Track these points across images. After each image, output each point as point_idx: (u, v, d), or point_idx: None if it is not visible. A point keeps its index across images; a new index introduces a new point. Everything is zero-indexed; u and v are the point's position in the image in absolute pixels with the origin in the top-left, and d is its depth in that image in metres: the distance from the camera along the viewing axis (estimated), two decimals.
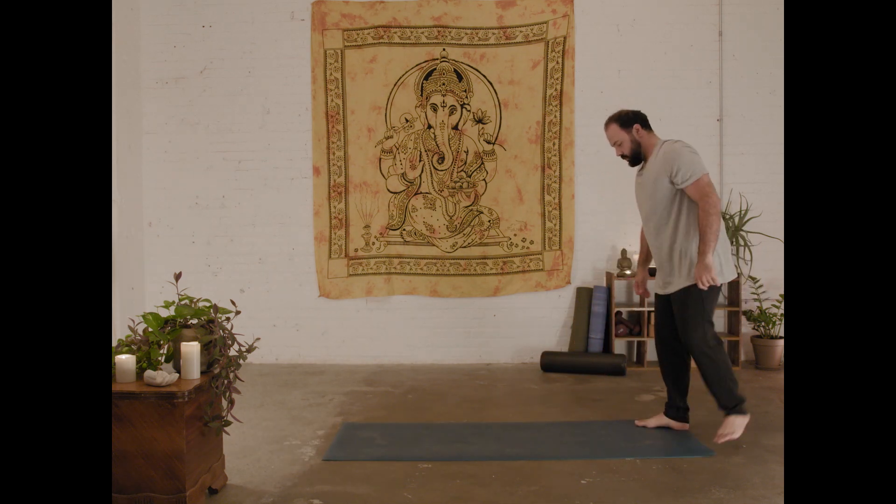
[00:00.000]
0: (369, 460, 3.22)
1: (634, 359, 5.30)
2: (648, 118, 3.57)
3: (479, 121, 5.30)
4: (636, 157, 3.53)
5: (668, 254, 3.47)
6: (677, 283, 3.43)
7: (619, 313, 5.25)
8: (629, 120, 3.50)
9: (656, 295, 3.59)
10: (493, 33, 5.28)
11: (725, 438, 3.35)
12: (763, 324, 5.06)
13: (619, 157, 3.60)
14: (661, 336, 3.59)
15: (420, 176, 5.32)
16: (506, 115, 5.29)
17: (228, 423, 2.83)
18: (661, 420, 3.67)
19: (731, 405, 3.40)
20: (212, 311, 2.85)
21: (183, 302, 2.86)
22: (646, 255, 3.81)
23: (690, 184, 3.29)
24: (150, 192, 5.39)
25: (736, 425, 3.37)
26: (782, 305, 5.09)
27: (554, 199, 5.31)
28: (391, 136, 5.32)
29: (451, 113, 5.30)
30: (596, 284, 5.25)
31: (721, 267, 3.37)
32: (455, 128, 5.31)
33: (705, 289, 3.32)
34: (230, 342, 2.86)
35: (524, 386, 4.64)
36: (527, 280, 5.34)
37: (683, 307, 3.39)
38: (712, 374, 3.39)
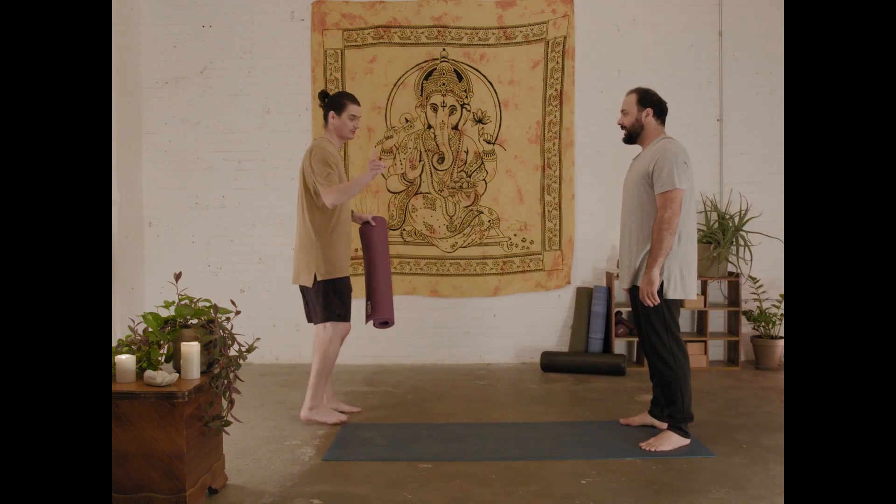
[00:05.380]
0: (369, 460, 3.22)
1: (634, 359, 5.30)
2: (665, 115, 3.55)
3: (479, 121, 5.30)
4: (631, 136, 3.53)
5: (627, 244, 3.50)
6: (628, 279, 3.47)
7: (619, 313, 5.25)
8: (647, 101, 3.48)
9: (628, 291, 3.57)
10: (493, 33, 5.28)
11: (650, 448, 3.30)
12: (763, 324, 5.06)
13: (618, 126, 3.58)
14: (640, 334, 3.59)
15: (420, 176, 5.32)
16: (506, 115, 5.29)
17: (228, 423, 2.83)
18: (646, 419, 3.67)
19: (677, 419, 3.37)
20: (212, 311, 2.85)
21: (183, 302, 2.86)
22: None
23: (660, 192, 3.28)
24: (150, 192, 5.39)
25: (670, 442, 3.32)
26: (782, 305, 5.09)
27: (554, 199, 5.31)
28: (391, 136, 5.31)
29: (451, 113, 5.30)
30: (596, 284, 5.25)
31: (679, 282, 3.33)
32: (455, 128, 5.31)
33: (647, 305, 3.33)
34: (230, 342, 2.86)
35: (524, 386, 4.64)
36: (527, 280, 5.33)
37: (643, 308, 3.39)
38: (666, 381, 3.38)
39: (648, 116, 3.47)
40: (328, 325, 3.73)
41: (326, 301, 3.69)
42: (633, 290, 3.48)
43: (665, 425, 3.47)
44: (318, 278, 3.68)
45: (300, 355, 5.36)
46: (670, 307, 3.36)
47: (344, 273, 3.75)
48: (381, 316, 3.75)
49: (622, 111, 3.54)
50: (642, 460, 3.20)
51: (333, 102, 3.76)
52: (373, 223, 3.92)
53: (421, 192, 5.32)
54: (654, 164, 3.31)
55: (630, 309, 5.17)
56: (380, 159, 3.50)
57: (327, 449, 3.37)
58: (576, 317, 5.20)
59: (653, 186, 3.33)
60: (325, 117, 3.80)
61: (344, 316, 3.73)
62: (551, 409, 4.08)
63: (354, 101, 3.78)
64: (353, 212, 4.01)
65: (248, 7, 5.34)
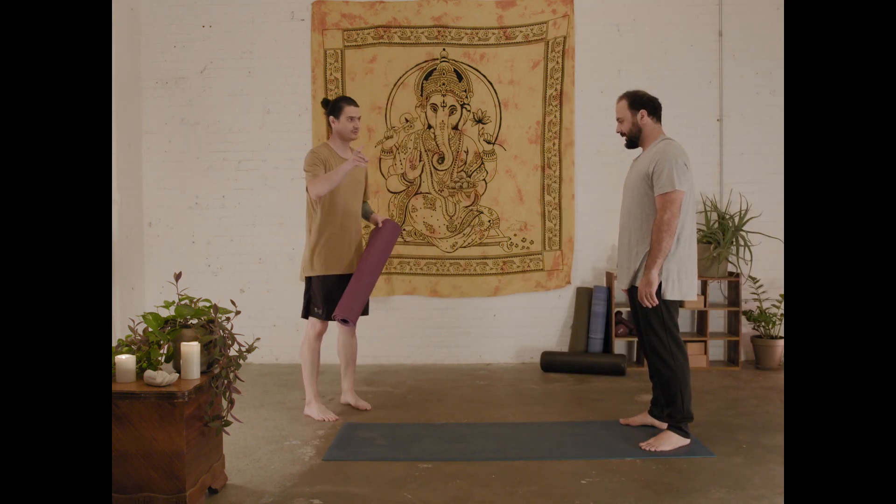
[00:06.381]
0: (369, 460, 3.22)
1: (634, 359, 5.30)
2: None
3: (479, 121, 5.30)
4: (632, 141, 3.53)
5: (626, 246, 3.49)
6: (627, 280, 3.47)
7: (619, 313, 5.25)
8: (639, 102, 3.47)
9: (627, 292, 3.57)
10: (493, 33, 5.28)
11: (650, 448, 3.30)
12: (763, 324, 5.06)
13: (618, 134, 3.58)
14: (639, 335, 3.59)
15: (420, 176, 5.32)
16: (506, 115, 5.29)
17: (228, 423, 2.83)
18: (646, 419, 3.67)
19: (676, 419, 3.37)
20: (212, 311, 2.85)
21: (183, 302, 2.86)
22: None
23: (660, 193, 3.28)
24: (150, 192, 5.39)
25: (670, 442, 3.32)
26: (782, 305, 5.09)
27: (554, 199, 5.31)
28: (391, 136, 5.32)
29: (451, 113, 5.30)
30: (596, 284, 5.25)
31: (677, 283, 3.32)
32: (455, 128, 5.31)
33: (646, 306, 3.33)
34: (230, 342, 2.86)
35: (524, 386, 4.64)
36: (527, 280, 5.33)
37: (642, 308, 3.40)
38: (665, 381, 3.38)
39: (644, 118, 3.46)
40: (308, 320, 3.95)
41: (308, 297, 3.93)
42: (632, 291, 3.48)
43: (665, 425, 3.47)
44: (305, 274, 3.91)
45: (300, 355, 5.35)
46: (669, 308, 3.36)
47: (330, 272, 3.85)
48: (339, 312, 3.80)
49: (617, 119, 3.54)
50: (642, 460, 3.20)
51: (332, 108, 3.93)
52: (380, 225, 3.96)
53: (421, 192, 5.32)
54: (654, 166, 3.31)
55: (630, 309, 5.18)
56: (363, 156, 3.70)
57: (327, 449, 3.37)
58: (576, 317, 5.20)
59: (652, 188, 3.33)
60: (329, 123, 3.96)
61: (320, 314, 3.87)
62: (551, 409, 4.07)
63: (350, 102, 3.93)
64: (371, 213, 4.10)
65: (248, 7, 5.34)
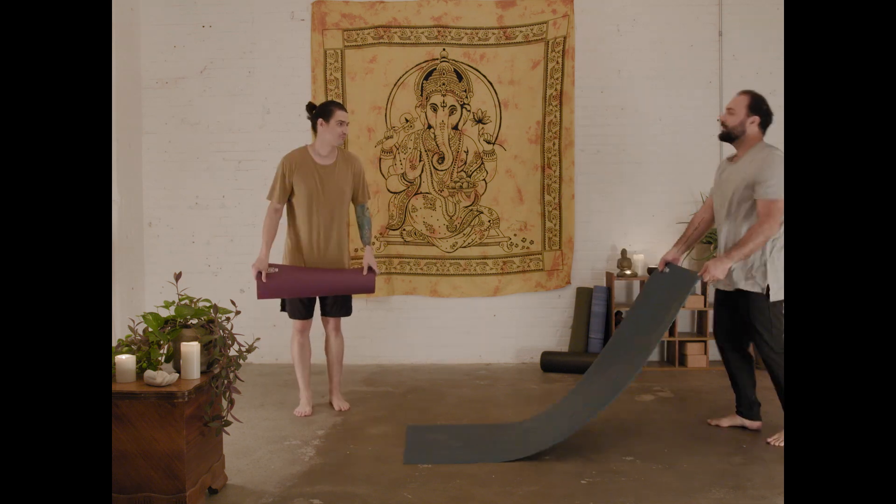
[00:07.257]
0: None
1: None
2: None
3: (479, 121, 5.30)
4: (730, 135, 3.47)
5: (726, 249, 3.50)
6: (734, 282, 3.47)
7: (619, 313, 5.24)
8: (758, 108, 3.44)
9: (717, 291, 3.59)
10: (493, 33, 5.28)
11: (777, 443, 3.42)
12: None
13: (718, 121, 3.51)
14: (721, 333, 3.64)
15: (420, 176, 5.32)
16: (506, 115, 5.29)
17: (228, 423, 2.83)
18: (735, 420, 3.69)
19: None
20: (212, 311, 2.85)
21: (183, 302, 2.86)
22: (687, 238, 3.78)
23: (767, 199, 3.28)
24: (150, 192, 5.39)
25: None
26: None
27: (554, 199, 5.30)
28: (391, 136, 5.31)
29: (451, 113, 5.30)
30: (596, 284, 5.25)
31: (781, 286, 3.41)
32: (455, 128, 5.30)
33: (704, 279, 3.33)
34: (230, 342, 2.86)
35: (524, 386, 4.64)
36: (527, 280, 5.33)
37: (747, 312, 3.45)
38: (780, 379, 3.45)
39: (754, 124, 3.43)
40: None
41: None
42: (735, 295, 3.49)
43: (757, 423, 3.58)
44: None
45: None
46: (773, 306, 3.44)
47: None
48: (261, 291, 3.69)
49: (728, 109, 3.45)
50: (642, 460, 3.20)
51: (322, 111, 3.91)
52: (365, 272, 3.87)
53: (421, 192, 5.32)
54: (761, 172, 3.30)
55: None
56: (264, 273, 3.76)
57: (404, 452, 3.30)
58: (576, 317, 5.20)
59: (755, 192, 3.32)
60: (314, 127, 3.94)
61: (291, 313, 3.97)
62: None
63: (341, 107, 3.92)
64: (368, 245, 3.98)
65: (248, 7, 5.34)
